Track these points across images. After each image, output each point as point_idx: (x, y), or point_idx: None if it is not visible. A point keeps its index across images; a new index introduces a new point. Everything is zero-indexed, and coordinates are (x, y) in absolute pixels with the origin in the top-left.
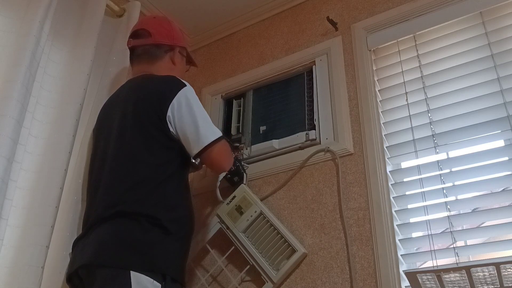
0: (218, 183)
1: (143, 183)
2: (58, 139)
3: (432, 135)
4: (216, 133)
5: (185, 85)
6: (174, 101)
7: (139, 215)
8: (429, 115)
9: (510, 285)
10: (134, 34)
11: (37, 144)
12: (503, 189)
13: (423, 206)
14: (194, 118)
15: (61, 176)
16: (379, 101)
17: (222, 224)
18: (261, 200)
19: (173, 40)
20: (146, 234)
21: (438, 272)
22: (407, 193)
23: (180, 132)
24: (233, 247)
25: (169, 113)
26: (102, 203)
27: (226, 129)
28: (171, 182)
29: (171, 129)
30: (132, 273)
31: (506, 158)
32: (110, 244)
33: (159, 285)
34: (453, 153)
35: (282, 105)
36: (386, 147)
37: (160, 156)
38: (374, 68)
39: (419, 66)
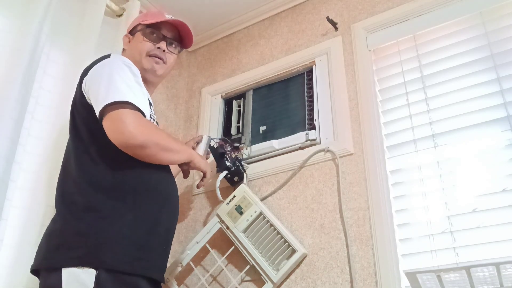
0: (218, 183)
1: (72, 171)
2: (58, 139)
3: (432, 135)
4: (122, 95)
5: (108, 57)
6: (90, 71)
7: (70, 204)
8: (429, 115)
9: (510, 285)
10: None
11: (37, 145)
12: (503, 189)
13: (423, 206)
14: (100, 80)
15: None
16: (379, 101)
17: (222, 224)
18: (261, 200)
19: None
20: (75, 224)
21: (438, 272)
22: (407, 193)
23: (90, 97)
24: (233, 247)
25: (83, 84)
26: None
27: (226, 129)
28: (95, 157)
29: (88, 101)
30: (64, 270)
31: (506, 158)
32: (43, 245)
33: (93, 271)
34: (453, 153)
35: (282, 105)
36: (386, 147)
37: (83, 133)
38: (374, 68)
39: (419, 66)
